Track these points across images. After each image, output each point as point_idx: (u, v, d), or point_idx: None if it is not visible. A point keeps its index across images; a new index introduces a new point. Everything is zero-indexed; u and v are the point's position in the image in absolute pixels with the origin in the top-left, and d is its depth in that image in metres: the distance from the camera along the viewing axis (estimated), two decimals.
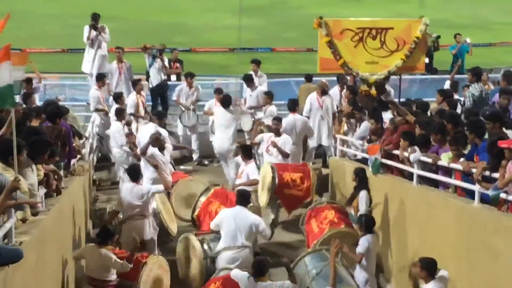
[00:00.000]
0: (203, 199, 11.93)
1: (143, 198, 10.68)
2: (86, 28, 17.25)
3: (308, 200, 12.59)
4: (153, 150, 12.18)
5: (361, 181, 11.10)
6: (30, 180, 7.86)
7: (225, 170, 14.86)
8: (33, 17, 26.79)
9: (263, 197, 12.39)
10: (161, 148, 12.45)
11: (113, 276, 9.08)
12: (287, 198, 12.61)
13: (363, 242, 9.68)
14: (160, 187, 11.22)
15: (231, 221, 9.98)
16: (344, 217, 11.33)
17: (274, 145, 13.26)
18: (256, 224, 10.17)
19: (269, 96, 15.46)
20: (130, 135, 14.16)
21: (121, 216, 11.11)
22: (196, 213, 11.80)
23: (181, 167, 15.59)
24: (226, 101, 14.72)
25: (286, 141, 13.43)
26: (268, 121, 14.69)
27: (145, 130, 13.48)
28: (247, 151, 12.81)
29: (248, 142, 14.93)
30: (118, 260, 9.01)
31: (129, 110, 15.04)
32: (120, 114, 14.37)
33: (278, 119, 13.60)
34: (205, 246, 10.35)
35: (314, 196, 12.91)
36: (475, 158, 9.04)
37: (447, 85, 15.03)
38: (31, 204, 6.30)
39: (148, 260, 9.67)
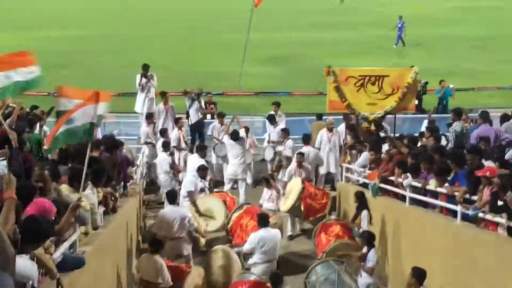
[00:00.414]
0: (236, 214, 12.17)
1: (184, 221, 10.72)
2: (138, 76, 17.57)
3: (322, 214, 12.82)
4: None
5: (361, 202, 11.14)
6: (92, 200, 7.98)
7: (239, 191, 14.93)
8: (89, 67, 27.08)
9: (287, 204, 12.68)
10: (204, 177, 12.97)
11: (163, 279, 9.12)
12: (308, 206, 12.79)
13: (373, 257, 9.73)
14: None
15: (264, 242, 10.05)
16: (348, 231, 11.56)
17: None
18: (280, 241, 10.50)
19: (285, 132, 15.63)
20: (174, 164, 14.38)
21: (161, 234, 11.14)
22: (229, 225, 12.02)
23: (215, 190, 15.66)
24: (233, 135, 14.86)
25: (307, 171, 13.81)
26: (287, 153, 15.00)
27: (191, 159, 14.16)
28: (269, 181, 13.17)
29: (269, 170, 15.25)
30: (167, 275, 9.11)
31: (173, 143, 15.17)
32: (165, 146, 14.67)
33: (301, 154, 13.83)
34: (242, 258, 10.52)
35: (327, 214, 13.09)
36: (456, 183, 9.13)
37: (425, 123, 15.01)
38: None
39: (192, 270, 9.75)
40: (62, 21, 41.96)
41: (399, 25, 32.69)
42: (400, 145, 12.02)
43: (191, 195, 12.30)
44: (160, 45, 31.94)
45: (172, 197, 11.08)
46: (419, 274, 8.14)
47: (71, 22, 41.34)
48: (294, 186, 12.75)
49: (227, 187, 15.09)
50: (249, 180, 15.53)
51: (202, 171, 13.04)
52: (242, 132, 15.48)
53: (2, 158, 6.39)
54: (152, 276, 9.07)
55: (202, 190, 13.17)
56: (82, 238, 7.31)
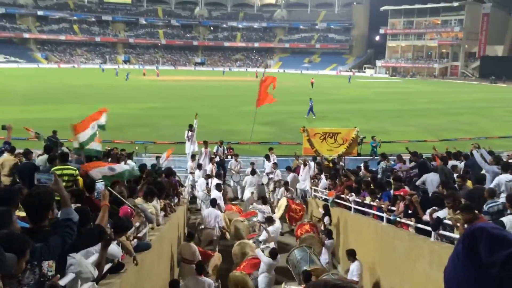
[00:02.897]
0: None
1: (217, 218, 10.82)
2: (186, 132, 17.68)
3: (300, 222, 12.77)
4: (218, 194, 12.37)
5: (326, 211, 11.11)
6: (156, 207, 7.95)
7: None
8: (156, 126, 27.06)
9: (278, 214, 12.73)
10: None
11: (195, 257, 9.01)
12: (291, 217, 13.00)
13: (331, 245, 9.99)
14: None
15: (272, 232, 10.26)
16: (314, 228, 11.63)
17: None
18: (279, 231, 10.85)
19: (275, 165, 15.76)
20: (207, 186, 14.34)
21: (202, 226, 11.18)
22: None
23: (232, 202, 15.59)
24: (252, 171, 15.04)
25: (291, 192, 14.17)
26: (275, 179, 15.48)
27: (215, 182, 13.76)
28: (264, 199, 13.07)
29: (266, 192, 15.26)
30: (198, 255, 9.04)
31: (208, 172, 15.10)
32: (208, 176, 14.62)
33: (286, 182, 14.31)
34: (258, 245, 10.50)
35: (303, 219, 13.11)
36: (381, 200, 9.15)
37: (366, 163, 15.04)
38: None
39: (215, 254, 9.71)
40: (142, 97, 42.47)
41: (310, 104, 31.67)
42: (350, 175, 12.10)
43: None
44: (200, 112, 32.35)
45: (213, 203, 11.10)
46: (350, 253, 8.21)
47: (146, 99, 41.81)
48: (282, 204, 12.86)
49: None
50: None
51: (219, 187, 12.96)
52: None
53: (101, 179, 6.36)
54: (189, 256, 9.00)
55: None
56: (149, 231, 7.26)
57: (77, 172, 7.78)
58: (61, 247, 3.35)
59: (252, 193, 14.83)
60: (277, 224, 10.74)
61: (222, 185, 12.92)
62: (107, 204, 4.38)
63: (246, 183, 15.24)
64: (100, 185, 5.26)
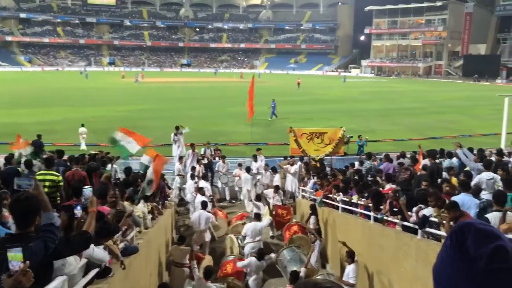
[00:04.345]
0: (235, 216, 13.04)
1: (207, 220, 10.81)
2: (172, 135, 17.58)
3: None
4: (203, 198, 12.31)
5: (313, 211, 11.14)
6: (144, 210, 7.89)
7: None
8: (145, 128, 26.99)
9: (266, 219, 12.48)
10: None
11: (186, 261, 8.95)
12: (277, 222, 12.80)
13: (319, 245, 9.79)
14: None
15: (253, 228, 10.23)
16: (302, 229, 11.63)
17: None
18: (263, 229, 10.68)
19: (266, 167, 15.84)
20: (196, 188, 14.27)
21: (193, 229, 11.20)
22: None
23: (220, 203, 15.55)
24: (247, 169, 15.20)
25: (280, 195, 14.18)
26: (266, 180, 15.35)
27: (203, 184, 13.64)
28: (258, 198, 13.05)
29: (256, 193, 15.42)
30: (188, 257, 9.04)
31: (195, 173, 15.05)
32: (192, 177, 14.45)
33: (277, 187, 14.17)
34: (239, 241, 10.66)
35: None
36: (368, 199, 9.21)
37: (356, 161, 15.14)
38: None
39: (206, 257, 9.69)
40: (129, 100, 42.14)
41: (272, 105, 30.88)
42: (338, 173, 12.20)
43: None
44: (188, 114, 32.09)
45: (204, 205, 11.04)
46: (351, 254, 8.16)
47: (133, 101, 41.49)
48: (266, 213, 12.70)
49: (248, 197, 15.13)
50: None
51: (202, 190, 12.76)
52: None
53: (89, 186, 6.27)
54: (180, 259, 8.93)
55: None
56: (137, 234, 7.21)
57: (59, 178, 7.67)
58: (44, 252, 3.30)
59: (248, 190, 14.87)
60: (264, 223, 10.73)
61: (204, 189, 12.80)
62: (94, 210, 4.32)
63: (242, 181, 15.36)
64: (87, 191, 5.18)
